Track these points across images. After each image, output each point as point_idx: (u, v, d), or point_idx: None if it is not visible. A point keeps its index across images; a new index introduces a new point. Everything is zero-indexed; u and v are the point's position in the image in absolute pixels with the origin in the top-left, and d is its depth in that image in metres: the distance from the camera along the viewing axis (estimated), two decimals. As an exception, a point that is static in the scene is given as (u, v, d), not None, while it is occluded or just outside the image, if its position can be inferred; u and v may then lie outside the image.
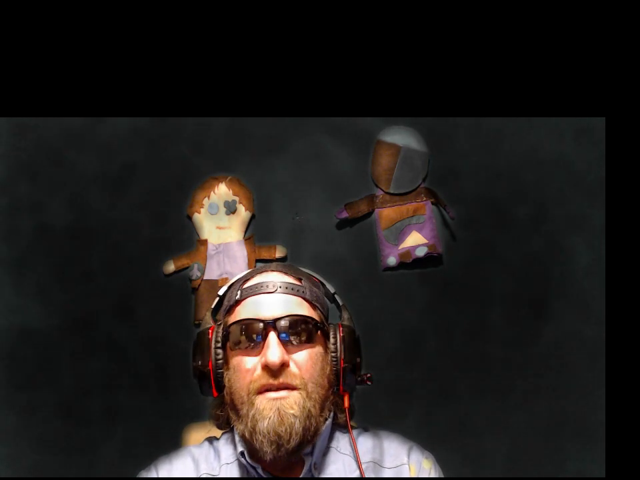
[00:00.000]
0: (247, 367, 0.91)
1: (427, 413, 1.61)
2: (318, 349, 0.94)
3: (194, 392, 1.01)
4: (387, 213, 1.67)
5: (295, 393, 0.89)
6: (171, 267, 1.67)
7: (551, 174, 1.66)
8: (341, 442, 0.98)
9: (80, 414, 1.64)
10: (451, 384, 1.62)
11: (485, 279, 1.64)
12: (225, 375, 0.94)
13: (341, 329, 0.96)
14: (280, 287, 0.95)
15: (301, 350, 0.92)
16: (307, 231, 1.68)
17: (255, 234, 1.68)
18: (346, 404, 0.96)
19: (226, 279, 1.62)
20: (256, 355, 0.91)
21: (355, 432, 0.99)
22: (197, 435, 1.30)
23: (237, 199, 1.68)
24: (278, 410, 0.88)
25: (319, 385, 0.92)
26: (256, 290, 0.95)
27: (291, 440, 0.88)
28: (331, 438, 0.98)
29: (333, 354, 0.95)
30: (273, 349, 0.89)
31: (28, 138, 1.72)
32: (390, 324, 1.64)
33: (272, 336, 0.90)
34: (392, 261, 1.65)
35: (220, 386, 0.95)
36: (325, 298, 1.03)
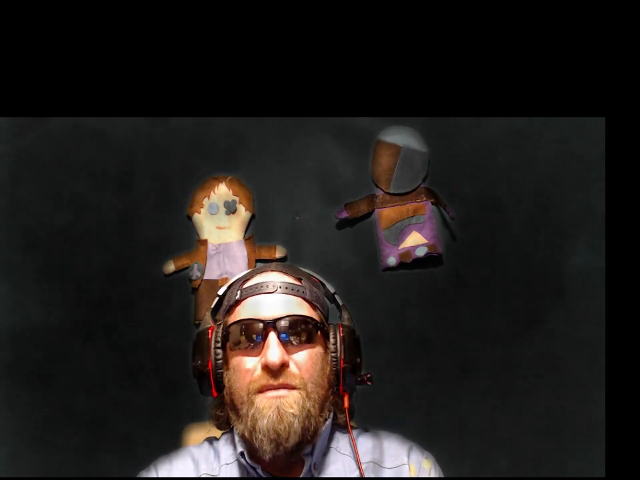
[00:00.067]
0: (246, 367, 0.91)
1: (427, 413, 1.61)
2: (318, 349, 0.94)
3: (194, 392, 1.01)
4: (386, 213, 1.67)
5: (295, 392, 0.89)
6: (170, 267, 1.67)
7: (551, 174, 1.66)
8: (341, 442, 0.98)
9: (80, 414, 1.64)
10: (451, 384, 1.62)
11: (485, 279, 1.64)
12: (224, 375, 0.94)
13: (340, 329, 0.96)
14: (280, 287, 0.94)
15: (301, 350, 0.92)
16: (307, 231, 1.68)
17: (255, 234, 1.68)
18: (346, 404, 0.96)
19: (226, 279, 1.62)
20: (256, 355, 0.91)
21: (354, 432, 0.99)
22: (196, 435, 1.29)
23: (237, 199, 1.68)
24: (277, 408, 0.88)
25: (318, 385, 0.92)
26: (256, 290, 0.95)
27: (290, 438, 0.88)
28: (330, 438, 0.98)
29: (332, 354, 0.94)
30: (273, 349, 0.89)
31: (28, 138, 1.71)
32: (390, 324, 1.64)
33: (272, 336, 0.90)
34: (392, 261, 1.65)
35: (220, 386, 0.95)
36: (325, 298, 1.03)
